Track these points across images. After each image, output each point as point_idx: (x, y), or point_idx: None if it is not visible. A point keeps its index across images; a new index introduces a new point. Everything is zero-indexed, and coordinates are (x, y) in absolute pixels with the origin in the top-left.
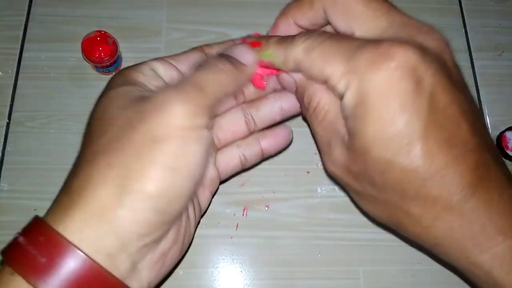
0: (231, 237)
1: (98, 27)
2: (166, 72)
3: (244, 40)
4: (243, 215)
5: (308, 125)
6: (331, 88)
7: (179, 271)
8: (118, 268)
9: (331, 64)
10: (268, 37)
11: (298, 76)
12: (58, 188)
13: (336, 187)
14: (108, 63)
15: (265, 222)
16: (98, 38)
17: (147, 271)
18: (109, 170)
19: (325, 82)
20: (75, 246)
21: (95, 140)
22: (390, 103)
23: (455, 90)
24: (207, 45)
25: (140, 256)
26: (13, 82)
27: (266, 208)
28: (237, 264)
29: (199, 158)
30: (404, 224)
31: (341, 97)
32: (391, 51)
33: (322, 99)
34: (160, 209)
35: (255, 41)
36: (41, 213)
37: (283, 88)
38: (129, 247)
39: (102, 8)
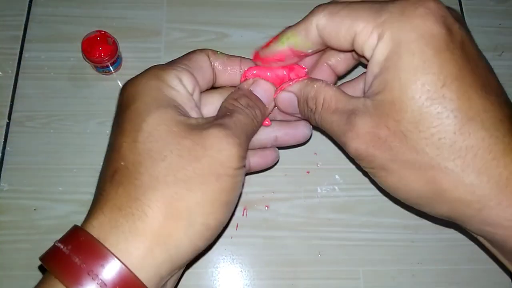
0: (231, 237)
1: (98, 27)
2: (188, 82)
3: (257, 55)
4: (243, 215)
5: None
6: (359, 48)
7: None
8: (160, 286)
9: (359, 21)
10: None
11: (296, 87)
12: (58, 188)
13: (336, 187)
14: (108, 63)
15: (265, 222)
16: (98, 38)
17: (169, 285)
18: (174, 201)
19: (352, 43)
20: (137, 278)
21: (152, 162)
22: (425, 47)
23: (479, 49)
24: (212, 51)
25: (174, 274)
26: (13, 82)
27: (266, 208)
28: (237, 264)
29: (240, 192)
30: (441, 191)
31: (370, 54)
32: (423, 0)
33: (326, 93)
34: (211, 239)
35: (269, 40)
36: (40, 213)
37: (282, 111)
38: (176, 270)
39: (102, 8)
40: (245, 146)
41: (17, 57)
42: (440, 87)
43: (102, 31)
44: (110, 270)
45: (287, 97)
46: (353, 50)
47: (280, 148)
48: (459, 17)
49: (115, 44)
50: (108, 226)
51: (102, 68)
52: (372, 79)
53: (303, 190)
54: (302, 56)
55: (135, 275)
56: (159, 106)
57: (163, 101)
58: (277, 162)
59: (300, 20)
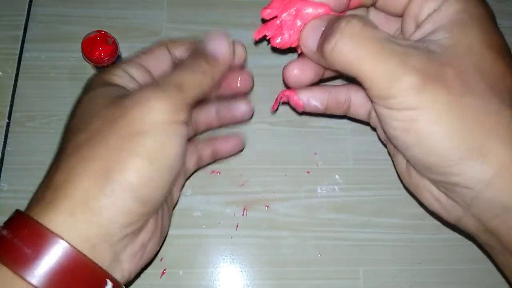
0: (231, 237)
1: (98, 27)
2: (138, 74)
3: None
4: (243, 215)
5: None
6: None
7: (179, 271)
8: (101, 258)
9: None
10: None
11: (325, 18)
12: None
13: (336, 187)
14: (108, 63)
15: (265, 222)
16: (98, 38)
17: (128, 262)
18: (91, 162)
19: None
20: (59, 236)
21: (76, 135)
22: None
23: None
24: (172, 40)
25: (122, 247)
26: (13, 82)
27: (266, 208)
28: (237, 264)
29: (177, 151)
30: (488, 145)
31: (439, 4)
32: None
33: (358, 19)
34: (140, 199)
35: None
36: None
37: (305, 52)
38: (111, 237)
39: (102, 8)
40: (178, 99)
41: (17, 57)
42: (505, 53)
43: (102, 31)
44: (32, 236)
45: (313, 26)
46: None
47: (278, 147)
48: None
49: (115, 44)
50: (35, 200)
51: (102, 68)
52: (433, 27)
53: (303, 190)
54: None
55: (65, 241)
56: (94, 88)
57: (101, 84)
58: (243, 148)
59: None
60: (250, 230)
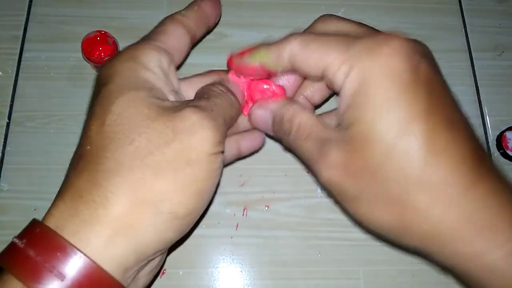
0: (231, 237)
1: (98, 27)
2: (165, 61)
3: (230, 60)
4: (243, 215)
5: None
6: (329, 80)
7: (179, 271)
8: (126, 279)
9: (329, 54)
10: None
11: (273, 106)
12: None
13: None
14: None
15: (265, 222)
16: (98, 38)
17: (144, 278)
18: (138, 187)
19: (322, 74)
20: (97, 265)
21: (118, 146)
22: (391, 85)
23: (446, 84)
24: (183, 16)
25: (144, 266)
26: (13, 82)
27: (266, 208)
28: (237, 264)
29: (217, 181)
30: (409, 224)
31: (339, 87)
32: (389, 39)
33: (302, 118)
34: (181, 230)
35: (245, 49)
36: (40, 213)
37: (254, 126)
38: (142, 260)
39: (102, 8)
40: (223, 130)
41: (17, 57)
42: (406, 124)
43: (102, 31)
44: (68, 260)
45: (263, 115)
46: (323, 79)
47: (278, 147)
48: (426, 52)
49: (115, 44)
50: (67, 214)
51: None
52: (343, 111)
53: (303, 190)
54: (273, 75)
55: (97, 264)
56: (131, 88)
57: (137, 83)
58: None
59: (275, 42)
60: (250, 230)
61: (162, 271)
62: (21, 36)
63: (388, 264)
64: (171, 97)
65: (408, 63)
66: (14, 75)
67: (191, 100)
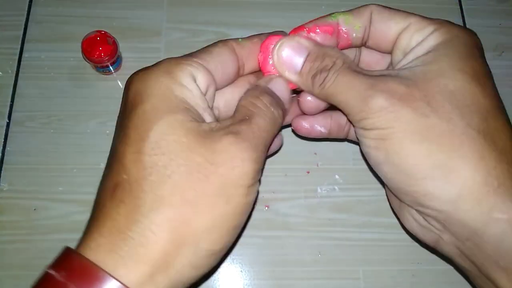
0: None
1: (98, 27)
2: (203, 83)
3: (296, 29)
4: None
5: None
6: (408, 35)
7: None
8: None
9: (411, 16)
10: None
11: (309, 43)
12: (58, 188)
13: (336, 187)
14: (108, 63)
15: (265, 222)
16: (98, 38)
17: None
18: (180, 226)
19: (397, 34)
20: None
21: (157, 179)
22: (470, 45)
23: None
24: (236, 42)
25: None
26: (13, 82)
27: (266, 208)
28: (237, 264)
29: (249, 211)
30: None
31: (416, 42)
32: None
33: (347, 56)
34: (215, 264)
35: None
36: (40, 213)
37: (279, 63)
38: None
39: (102, 8)
40: (262, 158)
41: (17, 57)
42: (478, 78)
43: (102, 31)
44: None
45: (292, 52)
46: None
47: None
48: None
49: (115, 44)
50: (106, 249)
51: (102, 68)
52: (413, 57)
53: (303, 190)
54: (344, 39)
55: None
56: (168, 111)
57: (173, 104)
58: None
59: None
60: (250, 230)
61: None
62: (21, 36)
63: (388, 264)
64: (207, 116)
65: (480, 43)
66: (14, 75)
67: (231, 121)
